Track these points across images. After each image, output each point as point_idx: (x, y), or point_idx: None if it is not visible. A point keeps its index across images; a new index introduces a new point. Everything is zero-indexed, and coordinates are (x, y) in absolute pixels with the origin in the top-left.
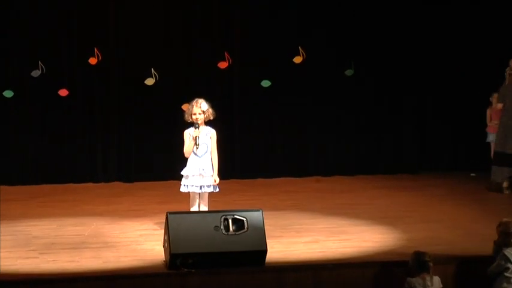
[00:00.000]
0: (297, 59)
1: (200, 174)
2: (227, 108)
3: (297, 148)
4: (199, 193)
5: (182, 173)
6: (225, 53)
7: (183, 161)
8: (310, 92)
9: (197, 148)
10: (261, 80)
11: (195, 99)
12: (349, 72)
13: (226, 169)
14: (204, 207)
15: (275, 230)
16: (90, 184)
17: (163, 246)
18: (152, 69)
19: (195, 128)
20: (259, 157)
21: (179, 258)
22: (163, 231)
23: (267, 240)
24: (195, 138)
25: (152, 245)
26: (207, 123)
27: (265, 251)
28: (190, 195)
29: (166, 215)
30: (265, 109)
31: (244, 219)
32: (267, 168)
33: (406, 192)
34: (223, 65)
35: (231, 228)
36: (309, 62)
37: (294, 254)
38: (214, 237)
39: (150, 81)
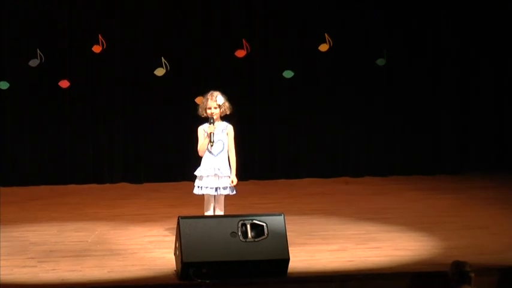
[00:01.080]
0: (323, 47)
1: (215, 175)
2: (246, 101)
3: (324, 146)
4: (214, 196)
5: (196, 173)
6: (243, 41)
7: (197, 160)
8: (337, 84)
9: (212, 146)
10: (283, 70)
11: (210, 92)
12: (381, 62)
13: (245, 169)
14: (220, 212)
15: (299, 237)
16: (93, 185)
17: (175, 254)
18: (163, 58)
19: (210, 124)
20: (281, 156)
21: (192, 268)
22: (174, 237)
23: (290, 248)
24: (210, 135)
25: (162, 252)
26: (223, 118)
27: (287, 260)
28: (205, 198)
29: (178, 219)
30: (288, 103)
31: (264, 224)
32: (290, 168)
33: (445, 195)
34: (241, 53)
35: (249, 235)
36: (336, 50)
37: (319, 263)
38: (230, 244)
39: (160, 72)
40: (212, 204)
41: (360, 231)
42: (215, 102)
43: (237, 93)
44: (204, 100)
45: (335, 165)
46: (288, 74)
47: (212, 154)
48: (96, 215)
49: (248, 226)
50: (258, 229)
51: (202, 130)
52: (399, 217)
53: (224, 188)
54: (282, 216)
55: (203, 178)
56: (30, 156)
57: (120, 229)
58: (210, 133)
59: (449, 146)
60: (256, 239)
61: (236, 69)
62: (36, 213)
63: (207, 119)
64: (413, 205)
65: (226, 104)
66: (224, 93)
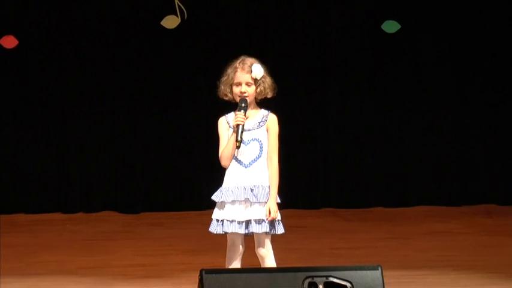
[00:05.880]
0: None
1: (246, 200)
2: (316, 74)
3: (449, 156)
4: (243, 236)
5: (214, 197)
6: None
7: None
8: (470, 49)
9: (238, 147)
10: (383, 21)
11: (241, 58)
12: None
13: (316, 190)
14: (269, 262)
15: None
16: (58, 215)
17: None
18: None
19: (239, 110)
20: (375, 170)
21: None
22: None
23: None
24: (237, 129)
25: None
26: (261, 103)
27: None
28: (228, 239)
29: (201, 274)
30: (388, 76)
31: (349, 284)
32: (392, 188)
33: None
34: None
35: None
36: None
37: None
38: None
39: (171, 22)
40: (240, 251)
41: None
42: (249, 74)
43: (304, 60)
44: (229, 71)
45: (470, 186)
46: (390, 26)
47: (241, 164)
48: (62, 265)
49: (321, 287)
50: None
51: (226, 123)
52: None
53: (257, 222)
54: (379, 271)
55: (225, 206)
56: None
57: None
58: (237, 125)
59: None
60: None
61: (307, 23)
62: None
63: (235, 106)
64: None
65: (268, 79)
66: (283, 61)
